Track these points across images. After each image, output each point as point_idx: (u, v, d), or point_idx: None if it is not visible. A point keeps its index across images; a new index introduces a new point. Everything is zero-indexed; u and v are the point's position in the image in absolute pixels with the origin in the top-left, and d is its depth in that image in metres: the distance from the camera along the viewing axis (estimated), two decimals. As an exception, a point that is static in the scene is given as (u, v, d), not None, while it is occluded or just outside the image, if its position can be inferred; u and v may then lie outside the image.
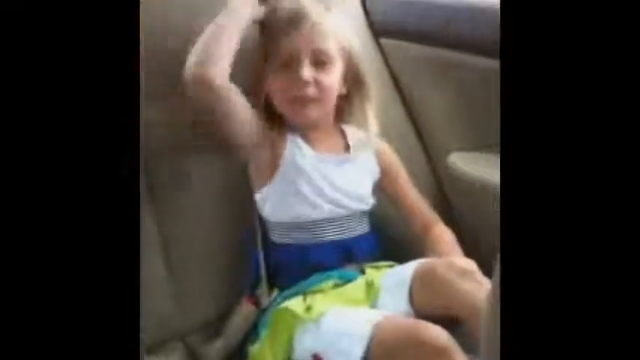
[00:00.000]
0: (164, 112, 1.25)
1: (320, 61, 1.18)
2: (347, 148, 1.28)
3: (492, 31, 1.35)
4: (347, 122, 1.30)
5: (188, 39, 1.24)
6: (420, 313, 1.09)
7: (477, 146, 1.40)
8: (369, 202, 1.27)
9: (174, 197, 1.27)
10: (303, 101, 1.19)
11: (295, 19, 1.17)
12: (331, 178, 1.22)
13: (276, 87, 1.20)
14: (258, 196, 1.24)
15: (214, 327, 1.27)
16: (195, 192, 1.28)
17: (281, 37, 1.17)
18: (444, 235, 1.27)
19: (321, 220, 1.21)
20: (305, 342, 1.10)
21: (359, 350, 1.01)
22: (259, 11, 1.20)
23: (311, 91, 1.18)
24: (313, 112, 1.20)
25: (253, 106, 1.20)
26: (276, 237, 1.24)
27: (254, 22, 1.20)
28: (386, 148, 1.33)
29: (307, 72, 1.17)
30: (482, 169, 1.35)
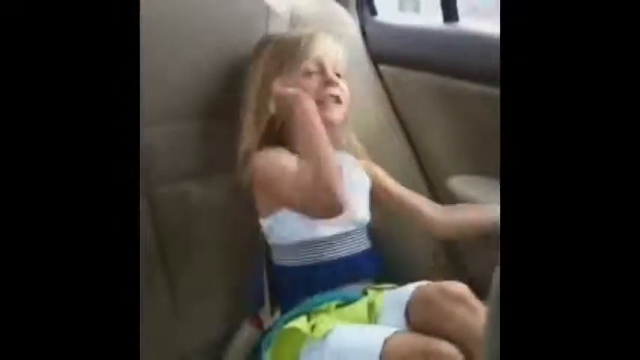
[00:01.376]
0: (166, 136, 1.27)
1: (337, 72, 1.28)
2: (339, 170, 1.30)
3: (489, 59, 1.37)
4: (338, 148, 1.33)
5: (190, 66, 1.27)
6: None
7: (476, 170, 1.41)
8: (368, 216, 1.32)
9: (177, 219, 1.27)
10: (330, 101, 1.26)
11: (316, 36, 1.29)
12: None
13: (305, 89, 1.24)
14: (265, 222, 1.25)
15: (216, 348, 1.27)
16: (197, 214, 1.29)
17: (307, 48, 1.26)
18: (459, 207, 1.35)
19: (330, 238, 1.23)
20: None
21: None
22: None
23: (337, 91, 1.26)
24: (337, 112, 1.27)
25: (259, 121, 1.26)
26: (281, 259, 1.25)
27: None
28: (370, 162, 1.38)
29: (334, 76, 1.26)
30: (482, 192, 1.36)
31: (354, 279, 1.23)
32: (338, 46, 1.31)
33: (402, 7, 2.02)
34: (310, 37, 1.28)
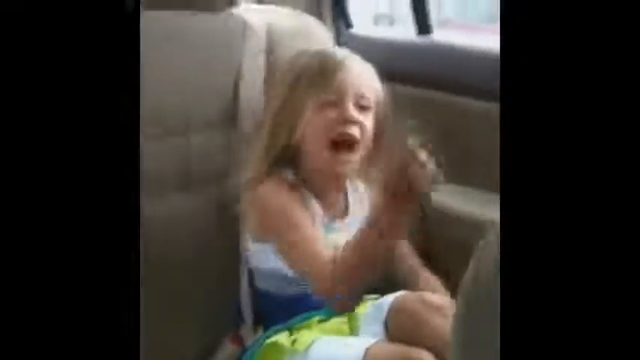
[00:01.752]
0: (149, 151, 1.27)
1: (361, 105, 1.17)
2: (347, 207, 1.25)
3: (463, 70, 1.40)
4: (356, 175, 1.26)
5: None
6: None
7: (453, 180, 1.42)
8: None
9: (158, 234, 1.26)
10: (346, 141, 1.15)
11: (340, 63, 1.18)
12: (335, 244, 1.17)
13: (318, 124, 1.16)
14: (252, 245, 1.22)
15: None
16: (179, 230, 1.28)
17: (327, 77, 1.16)
18: (432, 279, 1.25)
19: None
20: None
21: None
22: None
23: (356, 130, 1.15)
24: (352, 155, 1.17)
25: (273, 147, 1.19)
26: (264, 284, 1.23)
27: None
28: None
29: (353, 112, 1.15)
30: (459, 201, 1.37)
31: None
32: (368, 75, 1.21)
33: (376, 21, 2.05)
34: (335, 65, 1.18)
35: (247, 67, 1.34)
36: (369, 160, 1.21)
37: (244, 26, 1.37)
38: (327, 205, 1.21)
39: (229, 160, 1.31)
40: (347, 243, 1.07)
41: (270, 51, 1.37)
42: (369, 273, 1.06)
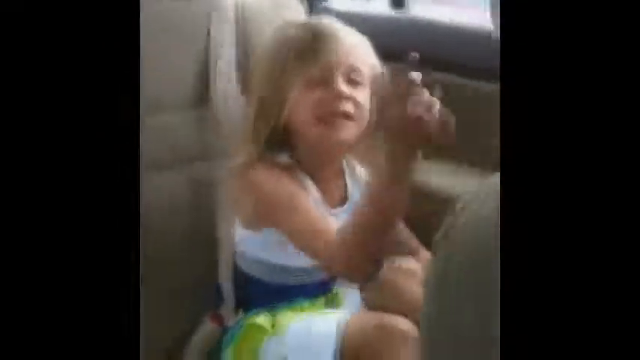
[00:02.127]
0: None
1: (353, 80, 1.10)
2: (345, 193, 1.20)
3: (437, 45, 1.38)
4: (354, 157, 1.21)
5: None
6: None
7: (434, 156, 1.41)
8: None
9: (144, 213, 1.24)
10: (337, 118, 1.08)
11: (330, 35, 1.11)
12: None
13: (306, 102, 1.08)
14: (243, 231, 1.17)
15: (175, 348, 1.25)
16: (159, 209, 1.25)
17: (314, 51, 1.09)
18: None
19: (308, 268, 1.14)
20: (272, 353, 1.11)
21: (329, 347, 1.04)
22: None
23: (348, 106, 1.08)
24: (346, 132, 1.09)
25: (260, 128, 1.12)
26: (250, 269, 1.20)
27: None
28: None
29: (344, 86, 1.09)
30: (441, 177, 1.35)
31: (323, 293, 1.20)
32: (362, 48, 1.13)
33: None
34: (325, 37, 1.10)
35: (216, 42, 1.31)
36: (367, 140, 1.13)
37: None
38: (325, 191, 1.16)
39: (202, 141, 1.29)
40: (345, 225, 1.00)
41: (240, 24, 1.33)
42: (375, 251, 0.99)
